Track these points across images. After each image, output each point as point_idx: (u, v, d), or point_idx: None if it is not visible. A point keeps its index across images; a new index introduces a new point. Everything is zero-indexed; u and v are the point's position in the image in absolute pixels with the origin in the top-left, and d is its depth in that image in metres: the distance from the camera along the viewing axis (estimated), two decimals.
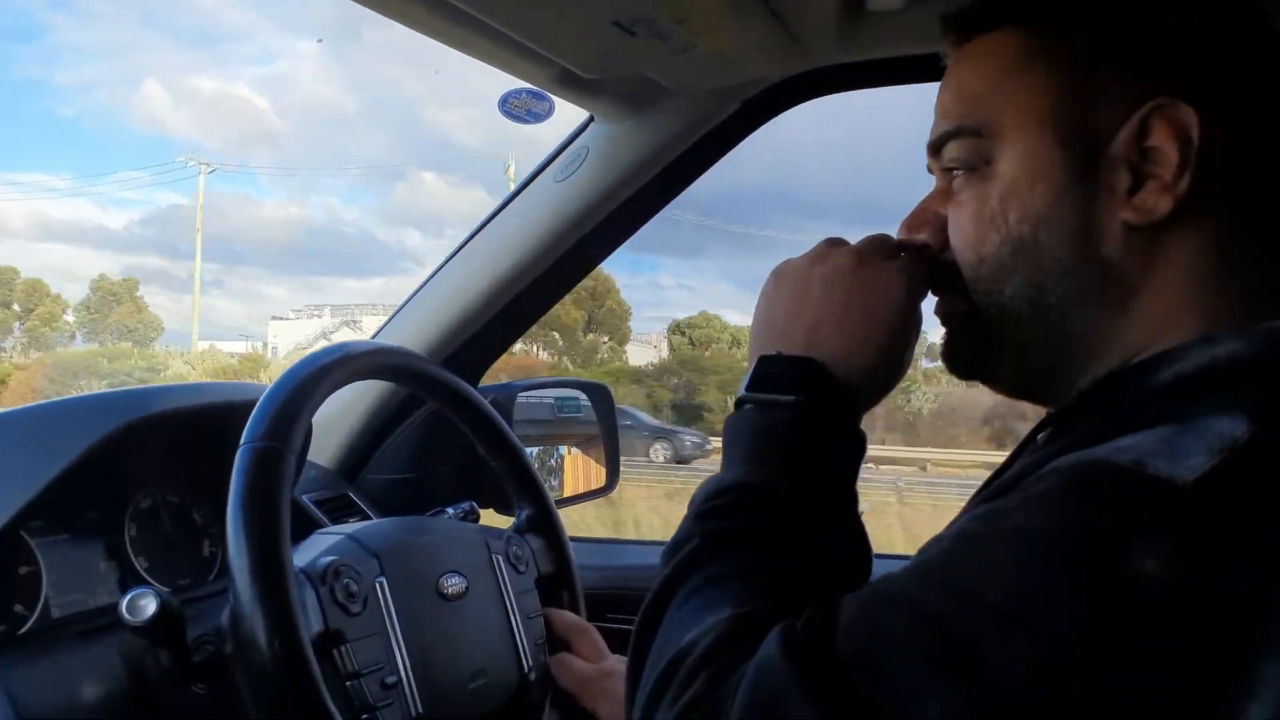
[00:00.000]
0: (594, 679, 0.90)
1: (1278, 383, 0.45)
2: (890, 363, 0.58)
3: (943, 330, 0.62)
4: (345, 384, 0.87)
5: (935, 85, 0.61)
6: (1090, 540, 0.40)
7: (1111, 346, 0.54)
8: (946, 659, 0.40)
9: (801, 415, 0.55)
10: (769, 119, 1.16)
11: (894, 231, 0.62)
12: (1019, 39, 0.55)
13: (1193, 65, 0.52)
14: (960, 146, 0.57)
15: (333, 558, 0.76)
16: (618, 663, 0.91)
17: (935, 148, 0.59)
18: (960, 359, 0.60)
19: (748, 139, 1.16)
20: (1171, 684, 0.38)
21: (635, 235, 1.21)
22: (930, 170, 0.61)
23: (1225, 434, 0.42)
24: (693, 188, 1.20)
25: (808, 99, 1.15)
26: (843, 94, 1.13)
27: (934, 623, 0.41)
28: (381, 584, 0.79)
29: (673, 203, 1.19)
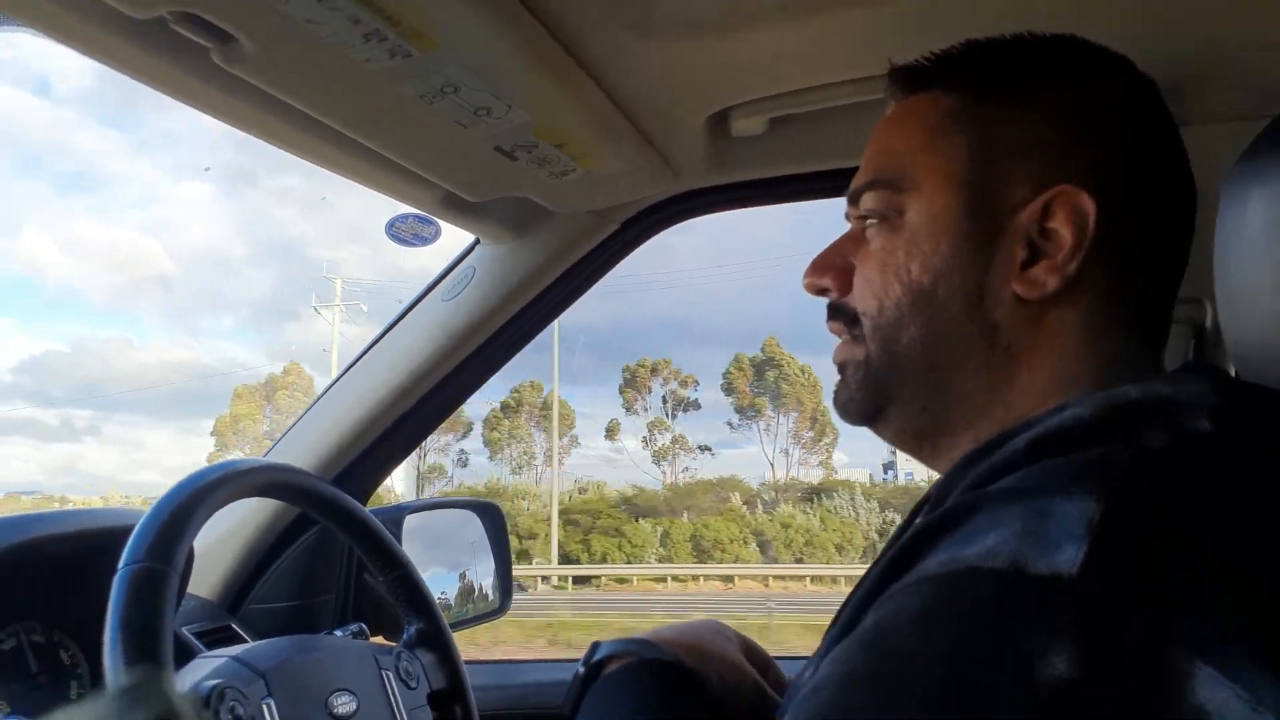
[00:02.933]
0: None
1: (1109, 447, 0.46)
2: None
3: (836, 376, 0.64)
4: (230, 501, 0.85)
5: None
6: (995, 657, 0.38)
7: (994, 409, 0.57)
8: None
9: None
10: (648, 237, 1.23)
11: None
12: (947, 102, 0.59)
13: (1100, 156, 0.55)
14: (876, 198, 0.60)
15: (217, 680, 0.73)
16: None
17: (854, 196, 0.62)
18: (852, 405, 0.62)
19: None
20: None
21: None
22: (847, 218, 0.64)
23: (1080, 516, 0.41)
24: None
25: (684, 218, 1.22)
26: (728, 219, 1.20)
27: None
28: (269, 705, 0.76)
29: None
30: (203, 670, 0.77)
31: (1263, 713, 0.36)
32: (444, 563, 1.48)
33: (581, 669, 0.68)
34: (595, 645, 0.69)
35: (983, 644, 0.39)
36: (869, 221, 0.61)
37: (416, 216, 1.14)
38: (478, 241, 1.20)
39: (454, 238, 1.21)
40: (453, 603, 1.44)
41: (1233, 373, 0.66)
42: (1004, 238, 0.56)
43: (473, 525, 1.50)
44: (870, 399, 0.61)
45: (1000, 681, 0.38)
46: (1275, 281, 0.55)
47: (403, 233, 1.14)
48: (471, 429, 31.27)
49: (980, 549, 0.42)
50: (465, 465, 31.82)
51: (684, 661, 0.67)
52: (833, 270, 0.62)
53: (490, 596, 1.47)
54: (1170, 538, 0.41)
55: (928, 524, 0.46)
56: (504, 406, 31.03)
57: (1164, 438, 0.46)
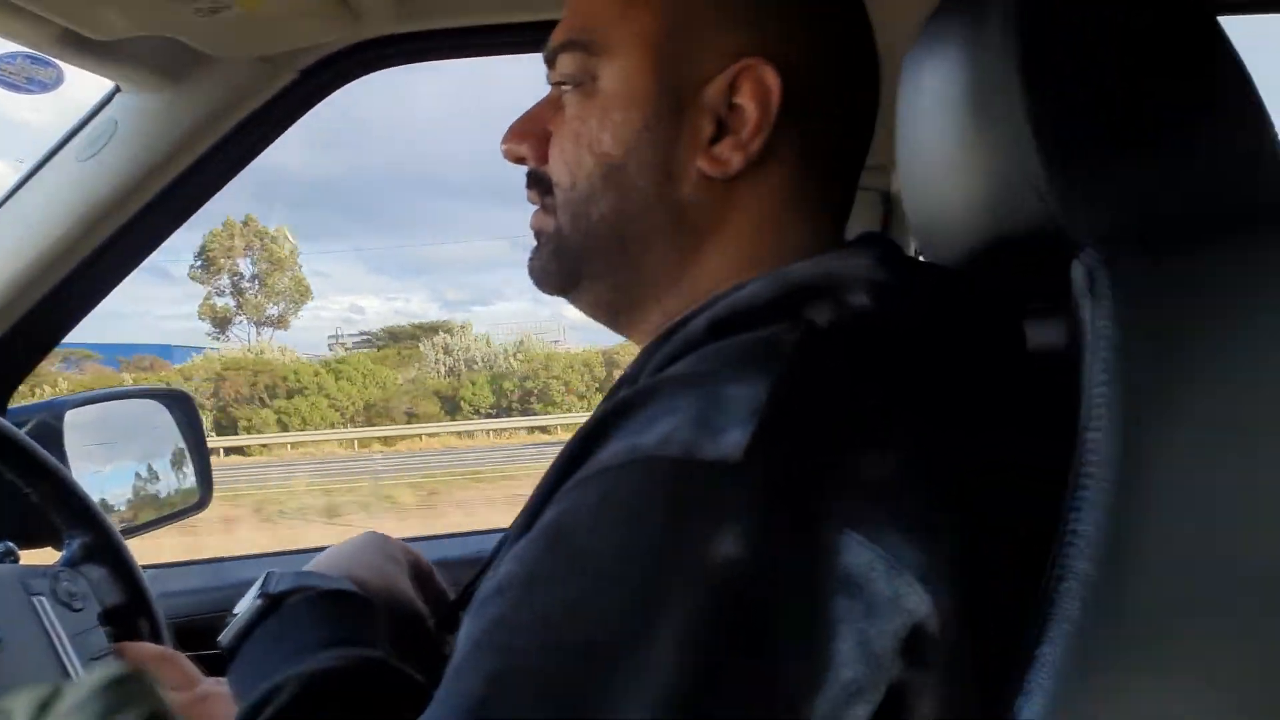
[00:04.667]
0: (186, 707, 0.80)
1: (779, 327, 0.47)
2: None
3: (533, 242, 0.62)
4: None
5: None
6: (670, 545, 0.39)
7: (681, 286, 0.57)
8: None
9: None
10: (333, 89, 1.10)
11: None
12: None
13: (787, 30, 0.55)
14: (570, 60, 0.57)
15: None
16: (215, 684, 0.82)
17: (550, 58, 0.59)
18: (546, 276, 0.61)
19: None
20: (786, 653, 0.38)
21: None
22: (549, 80, 0.61)
23: (747, 399, 0.42)
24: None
25: (375, 69, 1.10)
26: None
27: (542, 686, 0.38)
28: None
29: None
30: None
31: (901, 570, 0.40)
32: (131, 457, 1.33)
33: (258, 600, 0.62)
34: (268, 576, 0.63)
35: (658, 533, 0.40)
36: (564, 87, 0.58)
37: (28, 56, 0.93)
38: (117, 89, 1.00)
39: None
40: (147, 501, 1.30)
41: (913, 244, 0.69)
42: (692, 112, 0.55)
43: (161, 417, 1.35)
44: (562, 272, 0.60)
45: (675, 568, 0.38)
46: (947, 158, 0.56)
47: (10, 76, 0.92)
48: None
49: (656, 436, 0.42)
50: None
51: (359, 591, 0.64)
52: (531, 137, 0.60)
53: (187, 490, 1.35)
54: (825, 416, 0.43)
55: (605, 412, 0.46)
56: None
57: (828, 314, 0.47)
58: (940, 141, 0.57)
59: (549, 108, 0.60)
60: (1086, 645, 0.40)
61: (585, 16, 0.57)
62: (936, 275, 0.54)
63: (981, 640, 0.42)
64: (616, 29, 0.56)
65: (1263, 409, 0.42)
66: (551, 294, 0.62)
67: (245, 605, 0.63)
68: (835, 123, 0.57)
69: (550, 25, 0.61)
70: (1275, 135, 0.49)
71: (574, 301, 0.62)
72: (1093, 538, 0.40)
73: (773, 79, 0.53)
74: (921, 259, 0.68)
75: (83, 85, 1.08)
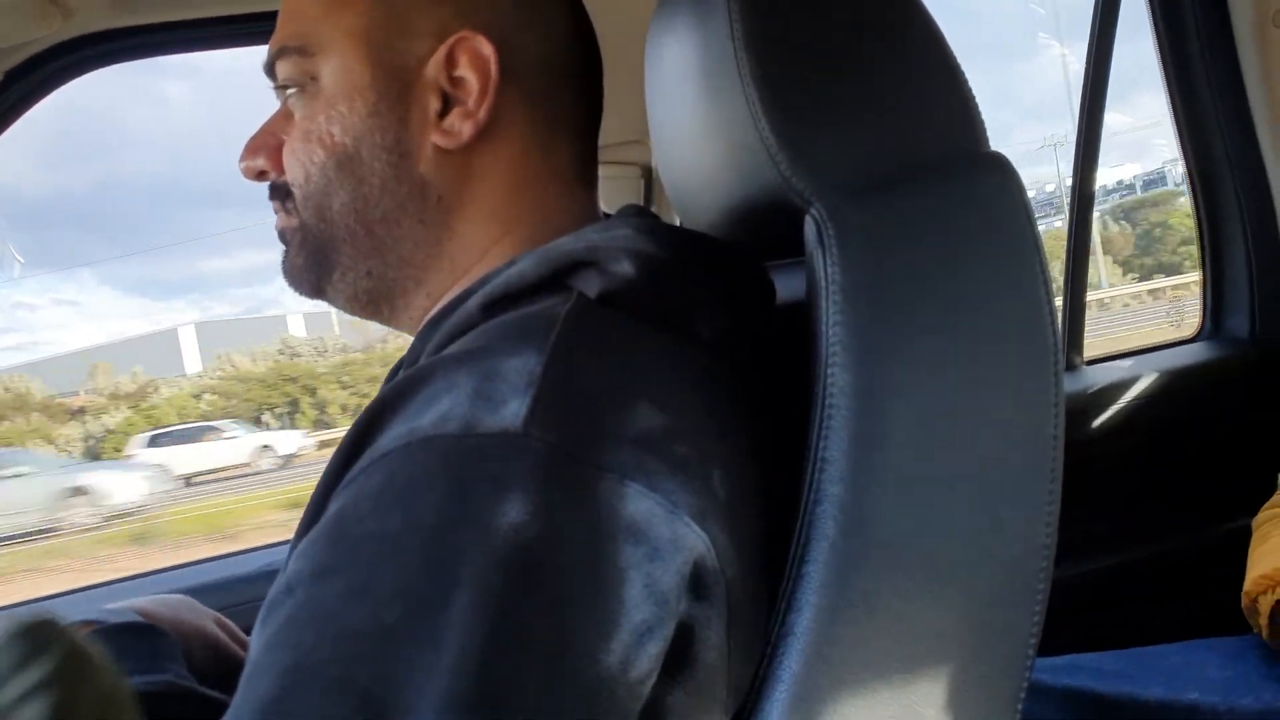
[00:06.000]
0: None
1: (551, 300, 0.49)
2: None
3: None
4: None
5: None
6: (454, 519, 0.39)
7: (440, 262, 0.59)
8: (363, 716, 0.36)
9: None
10: (46, 93, 1.01)
11: None
12: None
13: (494, 3, 0.57)
14: (289, 65, 0.58)
15: None
16: None
17: (270, 69, 0.59)
18: (297, 274, 0.61)
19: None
20: (579, 608, 0.39)
21: None
22: (275, 93, 0.61)
23: (523, 370, 0.43)
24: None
25: (90, 69, 1.02)
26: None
27: (336, 677, 0.37)
28: None
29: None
30: None
31: (679, 512, 0.42)
32: None
33: None
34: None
35: (443, 508, 0.39)
36: (289, 92, 0.59)
37: None
38: None
39: None
40: None
41: (676, 215, 0.72)
42: (416, 90, 0.57)
43: None
44: (311, 265, 0.60)
45: (461, 540, 0.38)
46: (691, 130, 0.60)
47: None
48: None
49: (434, 416, 0.42)
50: None
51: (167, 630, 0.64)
52: (265, 150, 0.61)
53: None
54: (598, 378, 0.45)
55: (383, 397, 0.45)
56: None
57: (596, 285, 0.49)
58: (684, 116, 0.60)
59: (280, 120, 0.60)
60: (842, 559, 0.45)
61: (295, 21, 0.58)
62: (693, 239, 0.58)
63: (755, 568, 0.46)
64: (326, 27, 0.57)
65: (973, 327, 0.48)
66: (308, 295, 0.62)
67: None
68: (559, 88, 0.60)
69: (272, 16, 0.60)
70: (969, 90, 0.55)
71: (330, 298, 0.62)
72: (839, 463, 0.45)
73: (487, 48, 0.56)
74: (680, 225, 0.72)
75: None
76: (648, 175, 1.17)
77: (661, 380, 0.46)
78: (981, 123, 0.55)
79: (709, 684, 0.44)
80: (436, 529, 0.39)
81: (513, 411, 0.41)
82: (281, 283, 0.63)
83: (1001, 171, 0.52)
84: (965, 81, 0.55)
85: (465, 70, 0.56)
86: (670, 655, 0.42)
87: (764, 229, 0.59)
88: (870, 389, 0.46)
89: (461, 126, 0.56)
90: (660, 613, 0.41)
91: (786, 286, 0.61)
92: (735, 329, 0.52)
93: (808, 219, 0.50)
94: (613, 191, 0.62)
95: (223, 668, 0.68)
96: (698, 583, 0.43)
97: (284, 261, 0.62)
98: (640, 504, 0.41)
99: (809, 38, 0.53)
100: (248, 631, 0.67)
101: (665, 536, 0.41)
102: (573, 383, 0.44)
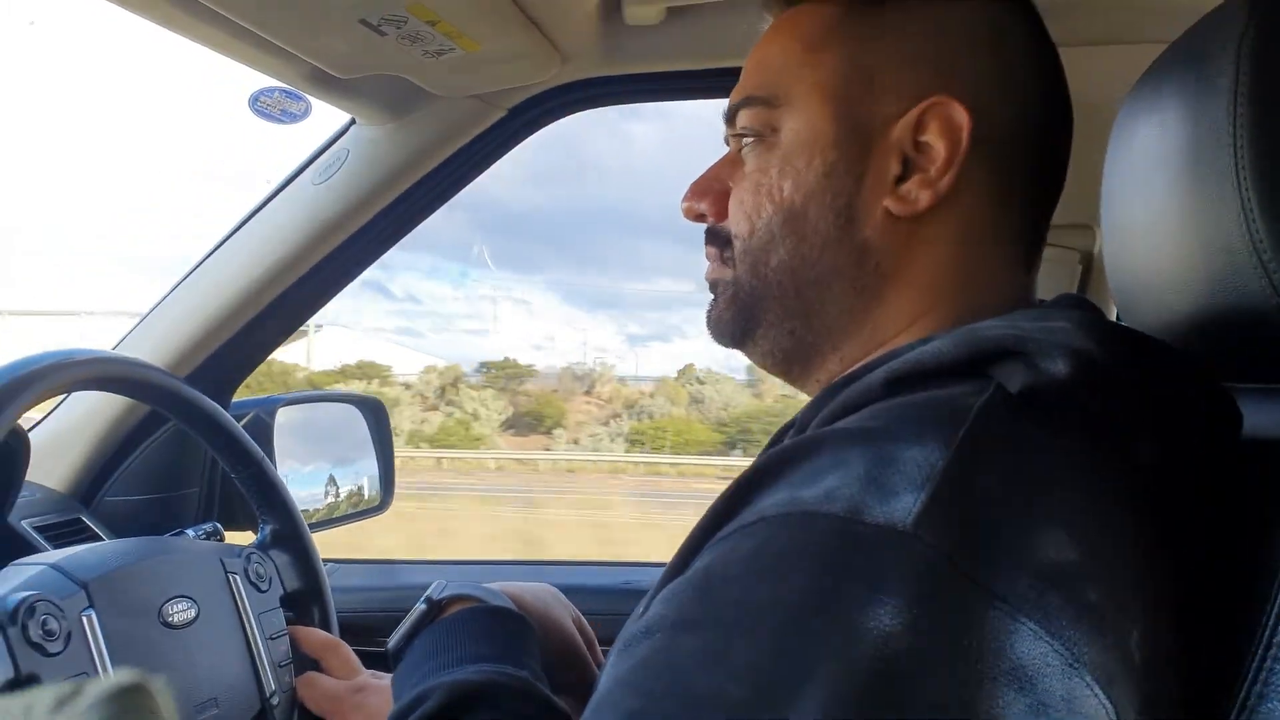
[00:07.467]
0: (344, 696, 0.85)
1: (963, 388, 0.44)
2: None
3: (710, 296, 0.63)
4: (58, 394, 0.78)
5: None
6: (822, 607, 0.36)
7: (863, 330, 0.56)
8: None
9: None
10: (539, 127, 1.16)
11: None
12: (825, 14, 0.57)
13: (975, 69, 0.54)
14: (750, 115, 0.58)
15: (27, 593, 0.68)
16: (371, 678, 0.87)
17: (730, 116, 0.60)
18: (721, 326, 0.61)
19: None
20: None
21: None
22: (726, 141, 0.62)
23: (922, 463, 0.39)
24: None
25: (578, 109, 1.16)
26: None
27: None
28: (89, 617, 0.71)
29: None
30: (13, 580, 0.71)
31: (1079, 669, 0.36)
32: (324, 457, 1.44)
33: (423, 605, 0.66)
34: (435, 584, 0.67)
35: (811, 592, 0.37)
36: (745, 141, 0.59)
37: (284, 91, 1.04)
38: (353, 121, 1.10)
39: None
40: (332, 498, 1.41)
41: (1113, 309, 0.65)
42: (878, 152, 0.55)
43: (355, 421, 1.45)
44: (737, 321, 0.60)
45: (824, 631, 0.36)
46: (1154, 217, 0.53)
47: (268, 108, 1.04)
48: None
49: (819, 491, 0.40)
50: None
51: (528, 617, 0.67)
52: (710, 194, 0.61)
53: (371, 493, 1.45)
54: (1005, 489, 0.39)
55: (769, 459, 0.44)
56: None
57: (1020, 379, 0.43)
58: (1151, 203, 0.54)
59: (728, 166, 0.61)
60: None
61: (765, 71, 0.58)
62: (1143, 343, 0.50)
63: None
64: (796, 81, 0.56)
65: None
66: (727, 345, 0.62)
67: (413, 612, 0.68)
68: (1024, 163, 0.55)
69: (739, 71, 0.62)
70: None
71: (749, 352, 0.61)
72: None
73: (962, 115, 0.53)
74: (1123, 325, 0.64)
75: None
76: (1087, 263, 1.07)
77: (1081, 504, 0.40)
78: None
79: None
80: (800, 611, 0.37)
81: (904, 506, 0.38)
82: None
83: None
84: None
85: (933, 136, 0.53)
86: None
87: (1232, 345, 0.51)
88: None
89: (919, 194, 0.54)
90: None
91: (1255, 417, 0.51)
92: (1182, 456, 0.45)
93: None
94: (1044, 276, 0.56)
95: (569, 667, 0.71)
96: None
97: (710, 311, 0.62)
98: (1033, 647, 0.35)
99: None
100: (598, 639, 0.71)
101: (1058, 693, 0.35)
102: (976, 488, 0.39)
